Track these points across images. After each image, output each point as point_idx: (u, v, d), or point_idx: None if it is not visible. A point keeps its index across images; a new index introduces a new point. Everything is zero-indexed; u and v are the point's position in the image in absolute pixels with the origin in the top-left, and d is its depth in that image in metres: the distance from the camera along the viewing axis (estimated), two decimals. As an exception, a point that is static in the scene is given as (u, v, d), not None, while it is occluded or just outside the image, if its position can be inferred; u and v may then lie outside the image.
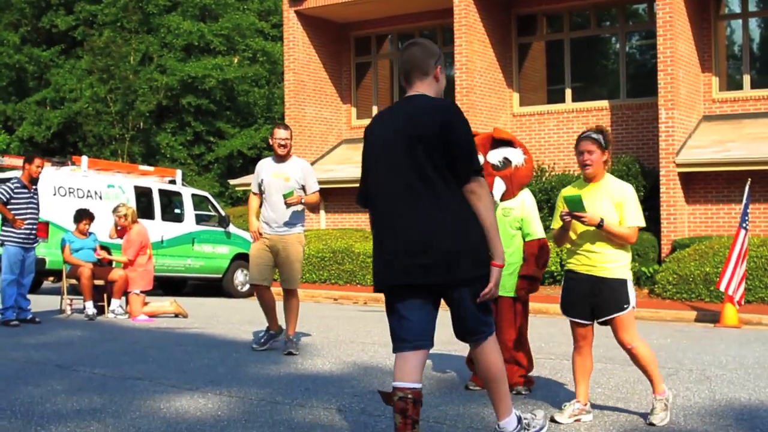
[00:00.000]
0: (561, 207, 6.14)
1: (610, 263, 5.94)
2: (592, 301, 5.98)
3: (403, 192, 4.47)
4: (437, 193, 4.43)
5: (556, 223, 6.16)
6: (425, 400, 6.47)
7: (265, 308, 9.18)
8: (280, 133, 8.96)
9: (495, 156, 7.01)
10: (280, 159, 9.02)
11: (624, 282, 5.96)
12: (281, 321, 9.26)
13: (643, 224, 6.02)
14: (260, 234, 8.97)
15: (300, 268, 9.19)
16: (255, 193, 9.22)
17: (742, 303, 14.66)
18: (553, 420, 5.88)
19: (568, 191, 6.15)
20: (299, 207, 8.90)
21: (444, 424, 5.71)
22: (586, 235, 5.96)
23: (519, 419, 4.76)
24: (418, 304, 4.54)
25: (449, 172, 4.45)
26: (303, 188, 8.94)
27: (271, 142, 9.06)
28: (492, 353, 4.62)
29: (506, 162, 7.01)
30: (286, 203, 8.73)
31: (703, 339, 11.79)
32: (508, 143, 7.12)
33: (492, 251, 4.51)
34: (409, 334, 4.53)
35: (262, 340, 9.13)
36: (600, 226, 5.84)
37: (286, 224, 8.91)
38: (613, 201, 5.95)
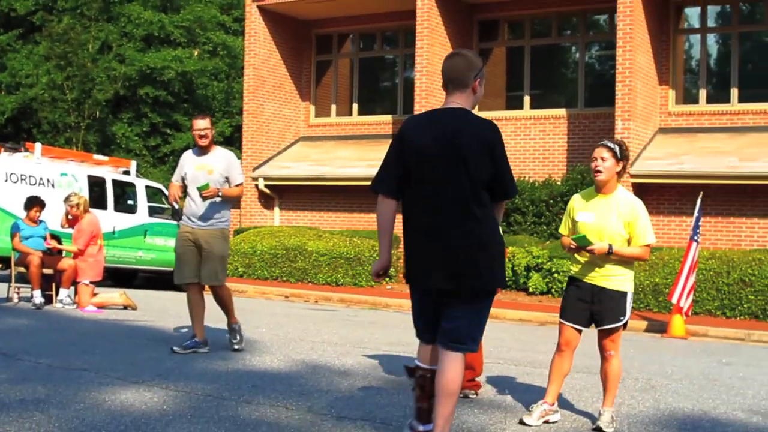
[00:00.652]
0: (571, 211, 6.23)
1: (613, 275, 6.04)
2: (592, 309, 6.05)
3: (441, 202, 4.76)
4: (471, 207, 4.73)
5: (565, 229, 6.30)
6: (373, 400, 6.50)
7: (192, 311, 8.63)
8: (199, 124, 8.55)
9: None
10: (203, 150, 8.64)
11: (624, 294, 6.07)
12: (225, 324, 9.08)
13: (654, 241, 6.11)
14: (177, 200, 8.63)
15: (224, 264, 8.73)
16: (176, 184, 8.78)
17: (689, 314, 14.84)
18: (522, 423, 5.94)
19: (578, 200, 6.24)
20: (225, 204, 8.63)
21: (391, 425, 5.71)
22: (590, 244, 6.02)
23: None
24: (428, 304, 4.92)
25: (485, 188, 4.76)
26: (227, 180, 8.61)
27: (192, 134, 8.72)
28: (459, 368, 4.78)
29: None
30: (201, 196, 8.42)
31: (650, 348, 11.92)
32: None
33: None
34: (428, 331, 4.97)
35: (186, 344, 8.47)
36: (610, 253, 5.93)
37: (210, 219, 8.56)
38: (624, 220, 6.02)
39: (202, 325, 8.65)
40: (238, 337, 8.80)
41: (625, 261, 6.04)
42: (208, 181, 8.47)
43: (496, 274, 4.80)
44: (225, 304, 8.80)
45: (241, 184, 8.75)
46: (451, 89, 4.93)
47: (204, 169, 8.56)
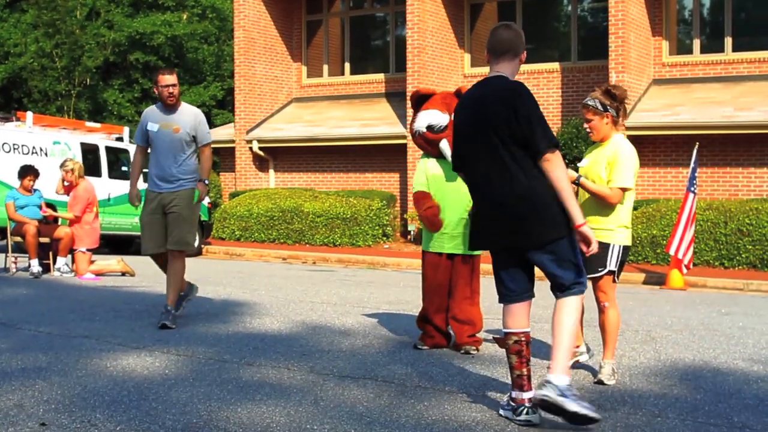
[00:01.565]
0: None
1: (598, 225, 5.99)
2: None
3: (486, 168, 4.95)
4: (513, 168, 4.87)
5: None
6: (374, 359, 6.50)
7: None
8: (167, 79, 7.82)
9: None
10: (169, 107, 7.94)
11: (607, 246, 6.01)
12: (227, 288, 9.09)
13: (627, 185, 6.03)
14: (139, 200, 8.07)
15: (193, 228, 8.11)
16: (140, 146, 8.14)
17: (690, 267, 14.84)
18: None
19: (587, 150, 6.40)
20: (194, 163, 8.02)
21: (393, 383, 5.72)
22: (584, 196, 6.10)
23: (569, 386, 4.78)
24: (515, 262, 5.01)
25: (522, 148, 4.88)
26: (194, 139, 7.96)
27: (156, 92, 7.92)
28: (567, 312, 4.92)
29: None
30: (199, 201, 7.97)
31: (649, 300, 11.94)
32: None
33: (572, 214, 4.89)
34: (516, 287, 5.03)
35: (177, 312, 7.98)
36: (576, 183, 5.97)
37: (178, 180, 7.91)
38: (607, 161, 6.06)
39: (177, 294, 8.03)
40: (171, 318, 7.78)
41: (612, 214, 6.02)
42: (173, 139, 7.87)
43: (538, 228, 4.87)
44: (175, 277, 7.97)
45: (209, 144, 8.13)
46: (499, 59, 5.08)
47: (170, 127, 7.89)
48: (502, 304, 5.08)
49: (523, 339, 4.94)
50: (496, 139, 4.89)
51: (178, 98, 7.99)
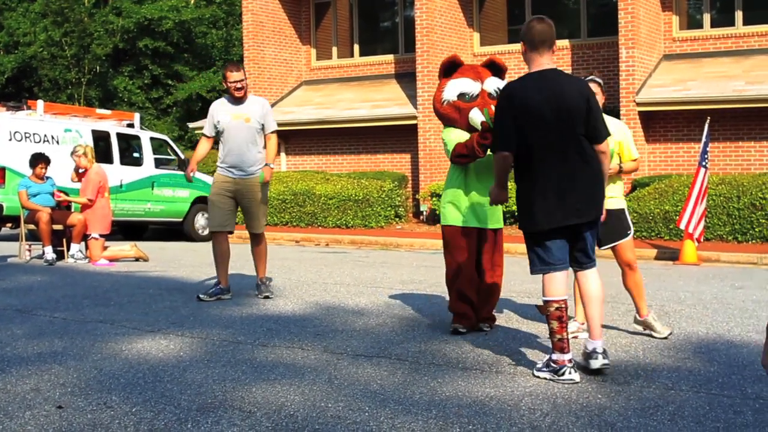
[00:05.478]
0: None
1: (610, 196, 6.40)
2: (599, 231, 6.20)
3: (559, 152, 5.32)
4: (582, 152, 5.36)
5: None
6: (388, 337, 6.53)
7: (219, 259, 8.69)
8: (235, 76, 8.44)
9: (491, 85, 7.00)
10: (238, 99, 8.56)
11: (623, 210, 6.62)
12: (242, 270, 9.17)
13: (638, 156, 6.84)
14: (193, 175, 8.83)
15: (266, 210, 8.83)
16: (208, 137, 8.79)
17: (702, 240, 14.81)
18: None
19: None
20: (263, 151, 8.64)
21: (406, 361, 5.74)
22: None
23: (602, 350, 5.43)
24: (560, 237, 5.44)
25: (586, 135, 5.39)
26: (263, 127, 8.59)
27: (225, 86, 8.57)
28: (597, 277, 5.54)
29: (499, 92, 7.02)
30: (265, 184, 8.62)
31: (662, 276, 11.93)
32: (502, 72, 7.20)
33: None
34: (563, 257, 5.46)
35: (211, 291, 8.56)
36: (620, 171, 6.63)
37: (250, 166, 8.54)
38: (614, 140, 6.39)
39: (227, 272, 8.70)
40: (267, 289, 8.73)
41: (619, 182, 6.77)
42: (246, 128, 8.50)
43: (602, 197, 5.56)
44: (261, 254, 8.82)
45: (275, 131, 8.71)
46: (542, 51, 5.72)
47: (241, 117, 8.51)
48: (540, 275, 5.47)
49: (563, 306, 5.32)
50: (573, 124, 5.35)
51: (246, 91, 8.57)
